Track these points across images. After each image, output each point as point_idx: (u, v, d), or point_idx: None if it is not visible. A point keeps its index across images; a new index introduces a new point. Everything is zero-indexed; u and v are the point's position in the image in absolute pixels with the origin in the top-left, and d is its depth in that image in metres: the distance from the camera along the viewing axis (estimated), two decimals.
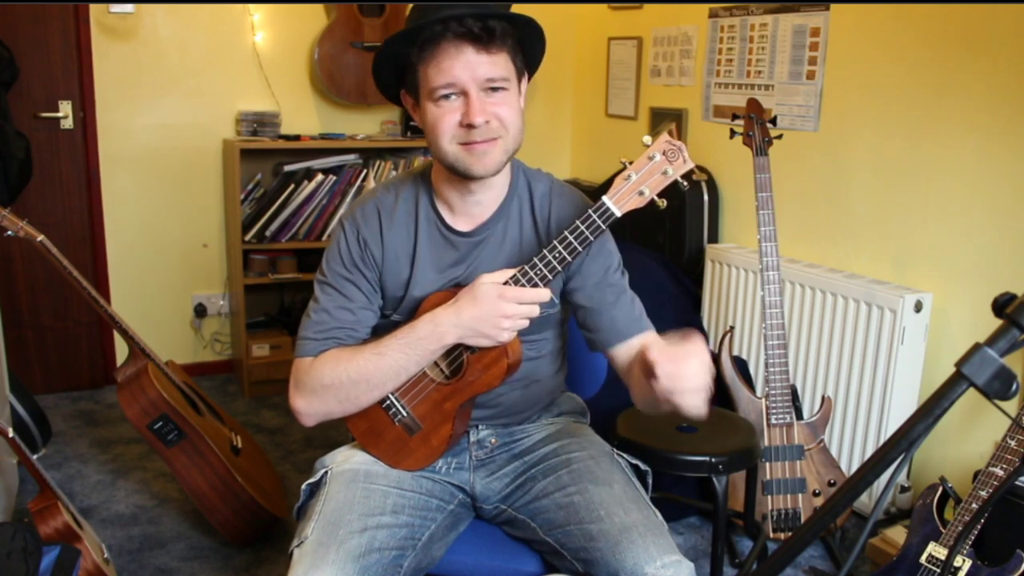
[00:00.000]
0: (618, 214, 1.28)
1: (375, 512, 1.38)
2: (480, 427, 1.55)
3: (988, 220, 2.35)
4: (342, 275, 1.46)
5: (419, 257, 1.46)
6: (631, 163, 1.27)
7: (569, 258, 1.31)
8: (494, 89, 1.33)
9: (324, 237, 3.58)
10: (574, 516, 1.39)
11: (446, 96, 1.33)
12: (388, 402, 1.45)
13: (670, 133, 1.29)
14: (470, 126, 1.32)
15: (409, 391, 1.44)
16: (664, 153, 1.25)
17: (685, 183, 1.28)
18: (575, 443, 1.54)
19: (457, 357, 1.41)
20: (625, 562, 1.28)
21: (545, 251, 1.31)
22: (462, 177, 1.39)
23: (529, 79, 1.46)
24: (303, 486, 1.49)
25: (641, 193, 1.26)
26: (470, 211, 1.46)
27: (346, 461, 1.50)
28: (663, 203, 1.27)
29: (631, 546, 1.29)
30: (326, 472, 1.48)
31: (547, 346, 1.56)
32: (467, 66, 1.30)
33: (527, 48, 1.40)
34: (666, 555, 1.28)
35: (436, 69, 1.31)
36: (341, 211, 3.57)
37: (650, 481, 1.55)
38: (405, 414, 1.45)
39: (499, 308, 1.32)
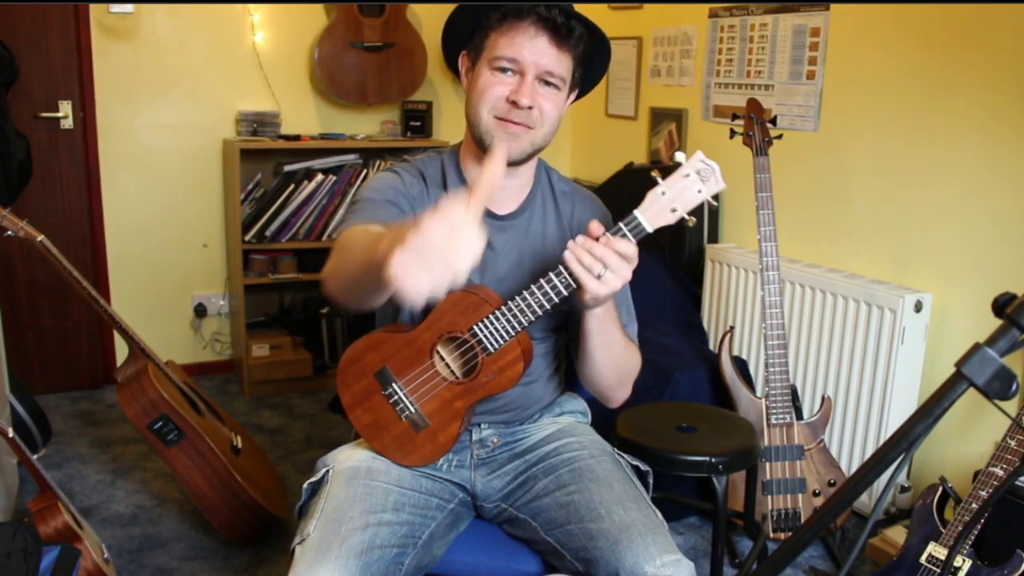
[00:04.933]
0: (650, 230, 1.27)
1: (376, 509, 1.37)
2: (482, 426, 1.55)
3: (988, 220, 2.35)
4: (387, 199, 1.44)
5: None
6: (663, 179, 1.26)
7: None
8: (548, 83, 1.37)
9: (324, 237, 3.58)
10: (574, 515, 1.39)
11: (503, 69, 1.36)
12: (395, 397, 1.44)
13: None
14: (515, 104, 1.35)
15: (418, 388, 1.43)
16: (699, 172, 1.25)
17: (715, 202, 1.26)
18: (576, 442, 1.54)
19: (472, 358, 1.40)
20: (624, 561, 1.28)
21: None
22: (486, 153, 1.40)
23: (578, 98, 1.50)
24: (304, 485, 1.49)
25: (673, 210, 1.25)
26: (495, 196, 1.47)
27: (348, 460, 1.49)
28: (693, 221, 1.26)
29: (631, 545, 1.29)
30: (328, 471, 1.48)
31: (548, 345, 1.56)
32: (536, 50, 1.34)
33: (589, 67, 1.45)
34: (666, 554, 1.28)
35: (507, 40, 1.35)
36: (341, 211, 3.57)
37: (651, 481, 1.55)
38: (413, 410, 1.44)
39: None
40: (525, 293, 1.32)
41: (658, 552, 1.28)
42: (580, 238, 1.25)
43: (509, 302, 1.33)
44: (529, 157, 1.44)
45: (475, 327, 1.36)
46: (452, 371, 1.43)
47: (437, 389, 1.42)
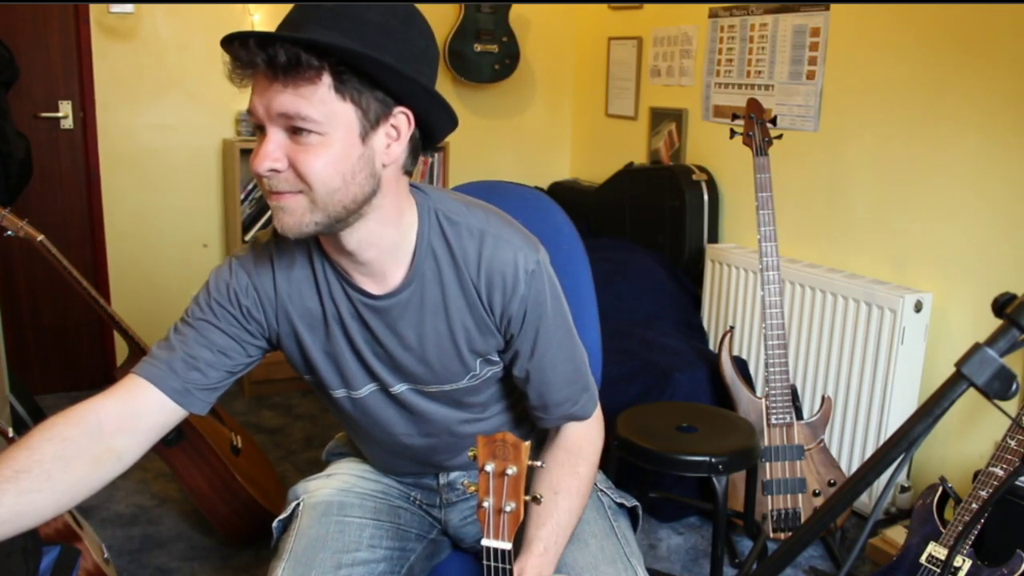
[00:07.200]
0: (508, 546, 1.04)
1: (350, 548, 1.26)
2: (450, 473, 1.41)
3: (988, 220, 2.35)
4: (207, 320, 1.30)
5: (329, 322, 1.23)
6: (475, 490, 1.06)
7: None
8: (298, 130, 1.01)
9: None
10: None
11: (257, 126, 1.05)
12: None
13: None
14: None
15: None
16: (492, 458, 1.02)
17: (539, 463, 1.09)
18: None
19: None
20: None
21: None
22: None
23: (437, 120, 1.09)
24: (274, 523, 1.37)
25: (509, 511, 1.03)
26: (363, 272, 1.17)
27: (319, 491, 1.38)
28: (539, 496, 1.06)
29: None
30: (298, 504, 1.37)
31: (505, 403, 1.36)
32: (261, 94, 1.01)
33: (392, 84, 1.03)
34: None
35: (252, 87, 1.04)
36: None
37: (640, 513, 1.42)
38: None
39: None
40: None
41: None
42: None
43: None
44: (327, 224, 1.07)
45: None
46: None
47: None
